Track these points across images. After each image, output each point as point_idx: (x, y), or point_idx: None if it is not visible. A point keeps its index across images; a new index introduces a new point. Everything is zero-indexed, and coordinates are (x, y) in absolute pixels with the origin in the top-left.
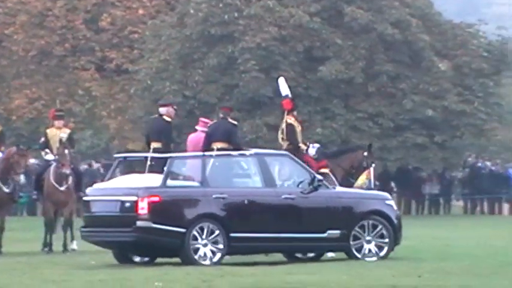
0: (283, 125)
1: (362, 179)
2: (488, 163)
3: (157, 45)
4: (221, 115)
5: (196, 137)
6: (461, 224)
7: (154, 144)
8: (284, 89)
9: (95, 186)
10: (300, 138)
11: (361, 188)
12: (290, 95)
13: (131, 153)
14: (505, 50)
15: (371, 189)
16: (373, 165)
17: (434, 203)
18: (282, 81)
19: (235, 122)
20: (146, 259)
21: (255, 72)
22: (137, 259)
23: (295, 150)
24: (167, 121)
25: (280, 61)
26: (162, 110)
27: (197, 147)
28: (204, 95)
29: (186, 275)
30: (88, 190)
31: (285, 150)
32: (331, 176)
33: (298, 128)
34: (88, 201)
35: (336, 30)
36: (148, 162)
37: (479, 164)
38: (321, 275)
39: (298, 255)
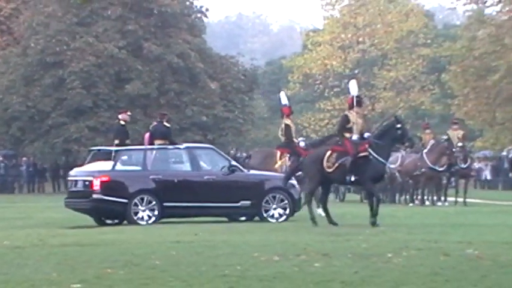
0: (283, 125)
1: (278, 164)
2: (244, 154)
3: (6, 69)
4: (159, 119)
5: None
6: None
7: (115, 141)
8: (284, 99)
9: (75, 169)
10: (294, 134)
11: (280, 170)
12: (288, 104)
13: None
14: (256, 74)
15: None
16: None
17: None
18: (282, 94)
19: (169, 125)
20: (116, 221)
21: (79, 89)
22: (109, 221)
23: (290, 143)
24: (122, 124)
25: (97, 81)
26: (120, 116)
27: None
28: (41, 106)
29: (27, 235)
30: (71, 172)
31: (283, 142)
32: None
33: (293, 128)
34: (69, 180)
35: (137, 59)
36: (113, 154)
37: (238, 155)
38: (126, 234)
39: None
